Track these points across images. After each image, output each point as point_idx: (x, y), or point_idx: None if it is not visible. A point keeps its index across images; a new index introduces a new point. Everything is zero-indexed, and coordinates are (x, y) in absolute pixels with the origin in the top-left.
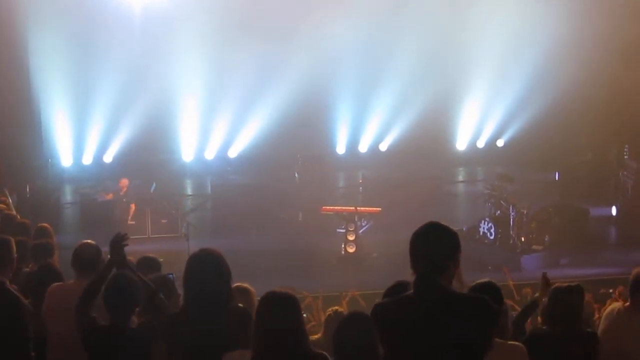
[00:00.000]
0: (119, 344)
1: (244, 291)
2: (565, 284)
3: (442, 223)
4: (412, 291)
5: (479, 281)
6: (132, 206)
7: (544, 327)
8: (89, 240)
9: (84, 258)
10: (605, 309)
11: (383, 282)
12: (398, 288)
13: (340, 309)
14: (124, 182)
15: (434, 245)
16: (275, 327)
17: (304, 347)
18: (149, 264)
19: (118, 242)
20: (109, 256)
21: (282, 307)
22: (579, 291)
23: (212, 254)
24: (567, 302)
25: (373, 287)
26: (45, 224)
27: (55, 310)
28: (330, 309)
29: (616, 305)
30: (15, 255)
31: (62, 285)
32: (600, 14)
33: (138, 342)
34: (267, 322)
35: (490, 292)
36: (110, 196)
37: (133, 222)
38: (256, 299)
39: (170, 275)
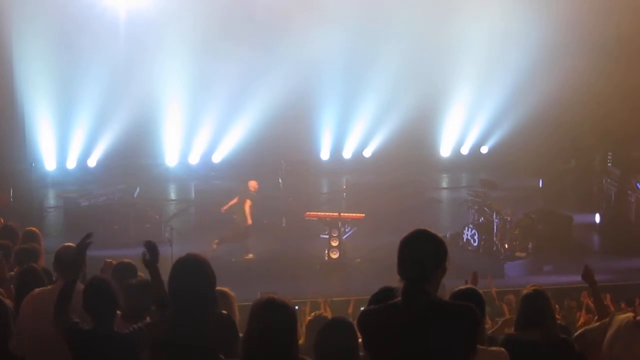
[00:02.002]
0: (105, 347)
1: (223, 295)
2: (532, 289)
3: (430, 230)
4: (399, 298)
5: (460, 287)
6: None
7: (516, 333)
8: (69, 243)
9: (65, 261)
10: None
11: (366, 288)
12: (383, 294)
13: (323, 314)
14: (253, 184)
15: (422, 251)
16: (268, 333)
17: (293, 353)
18: (125, 269)
19: (83, 243)
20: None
21: (280, 314)
22: (545, 295)
23: (198, 259)
24: (539, 307)
25: (356, 293)
26: (34, 228)
27: (36, 314)
28: (312, 313)
29: (627, 315)
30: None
31: (43, 289)
32: (584, 21)
33: (124, 346)
34: (260, 326)
35: (472, 299)
36: (235, 200)
37: (117, 227)
38: (236, 303)
39: None
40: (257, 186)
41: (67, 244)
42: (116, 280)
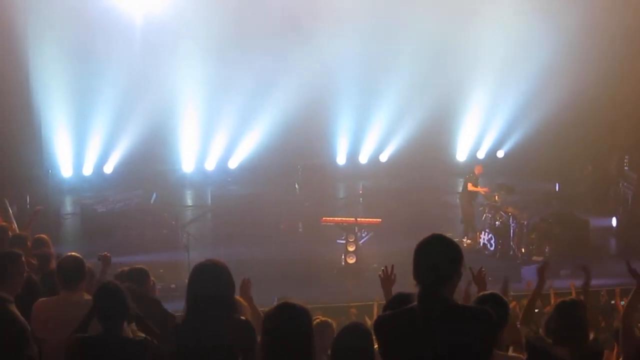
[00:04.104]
0: (115, 352)
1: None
2: (570, 299)
3: (445, 235)
4: (415, 303)
5: (484, 292)
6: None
7: (547, 345)
8: (73, 253)
9: (68, 270)
10: None
11: (383, 294)
12: (398, 299)
13: (327, 319)
14: (479, 168)
15: (438, 256)
16: (288, 339)
17: (311, 357)
18: (137, 274)
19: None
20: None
21: (296, 318)
22: (583, 307)
23: (218, 264)
24: (575, 321)
25: (373, 299)
26: (43, 235)
27: (43, 325)
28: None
29: None
30: (26, 271)
31: (48, 299)
32: (598, 24)
33: (134, 352)
34: (279, 332)
35: (495, 304)
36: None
37: (134, 233)
38: (249, 312)
39: None
40: (481, 170)
41: (69, 253)
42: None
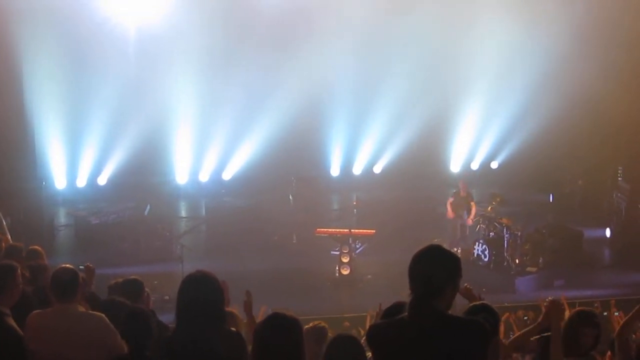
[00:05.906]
0: None
1: (230, 315)
2: (581, 310)
3: (443, 246)
4: (407, 313)
5: (475, 303)
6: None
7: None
8: (66, 265)
9: (61, 283)
10: None
11: (377, 304)
12: (395, 309)
13: (322, 324)
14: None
15: (432, 268)
16: (278, 350)
17: None
18: (127, 286)
19: None
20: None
21: (287, 329)
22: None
23: (207, 275)
24: (589, 332)
25: (367, 310)
26: (37, 247)
27: (37, 337)
28: (311, 323)
29: None
30: (20, 284)
31: (42, 312)
32: (594, 38)
33: None
34: (270, 343)
35: (487, 314)
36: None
37: (128, 245)
38: (243, 323)
39: None
40: (465, 185)
41: (63, 265)
42: (124, 296)
